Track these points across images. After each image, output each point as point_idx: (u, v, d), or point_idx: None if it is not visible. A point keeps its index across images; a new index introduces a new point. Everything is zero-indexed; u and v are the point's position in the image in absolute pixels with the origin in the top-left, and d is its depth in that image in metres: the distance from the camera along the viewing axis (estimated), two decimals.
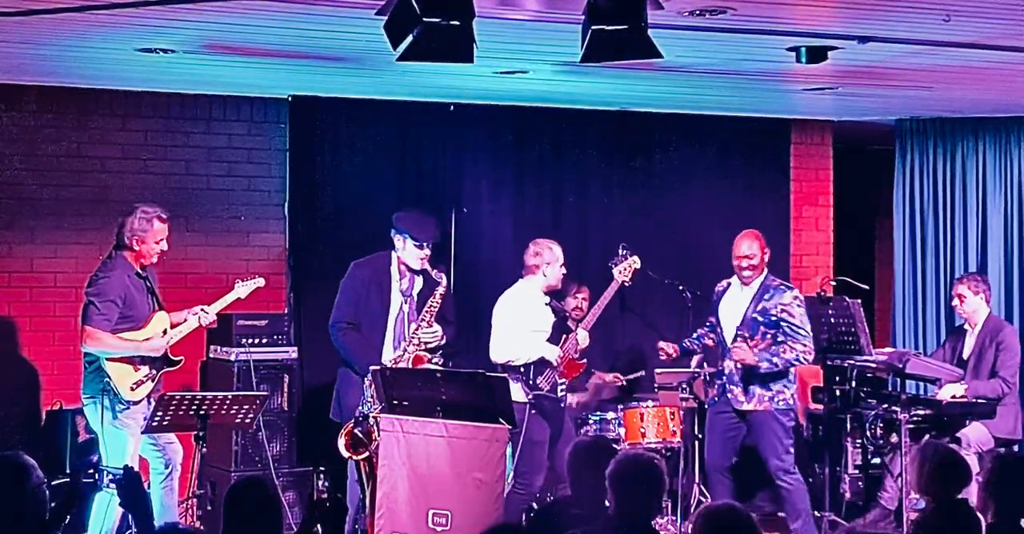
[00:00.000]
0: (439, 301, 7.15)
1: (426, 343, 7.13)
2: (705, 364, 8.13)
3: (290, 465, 8.13)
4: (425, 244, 7.23)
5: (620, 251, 7.68)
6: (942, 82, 7.94)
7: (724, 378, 7.45)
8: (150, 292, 7.06)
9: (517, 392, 7.15)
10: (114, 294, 6.85)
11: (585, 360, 7.60)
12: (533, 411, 7.21)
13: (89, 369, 6.90)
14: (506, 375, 6.81)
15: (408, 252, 7.24)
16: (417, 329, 7.14)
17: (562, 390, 7.43)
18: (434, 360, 7.13)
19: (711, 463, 7.57)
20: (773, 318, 7.35)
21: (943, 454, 5.34)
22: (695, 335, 7.82)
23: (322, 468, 7.89)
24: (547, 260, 7.44)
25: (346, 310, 7.28)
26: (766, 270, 7.50)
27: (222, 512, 4.73)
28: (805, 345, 7.34)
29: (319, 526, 7.51)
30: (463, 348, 8.44)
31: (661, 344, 7.75)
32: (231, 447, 7.90)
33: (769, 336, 7.36)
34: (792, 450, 7.48)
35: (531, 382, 7.26)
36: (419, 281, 7.29)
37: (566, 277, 7.63)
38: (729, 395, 7.41)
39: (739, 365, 7.34)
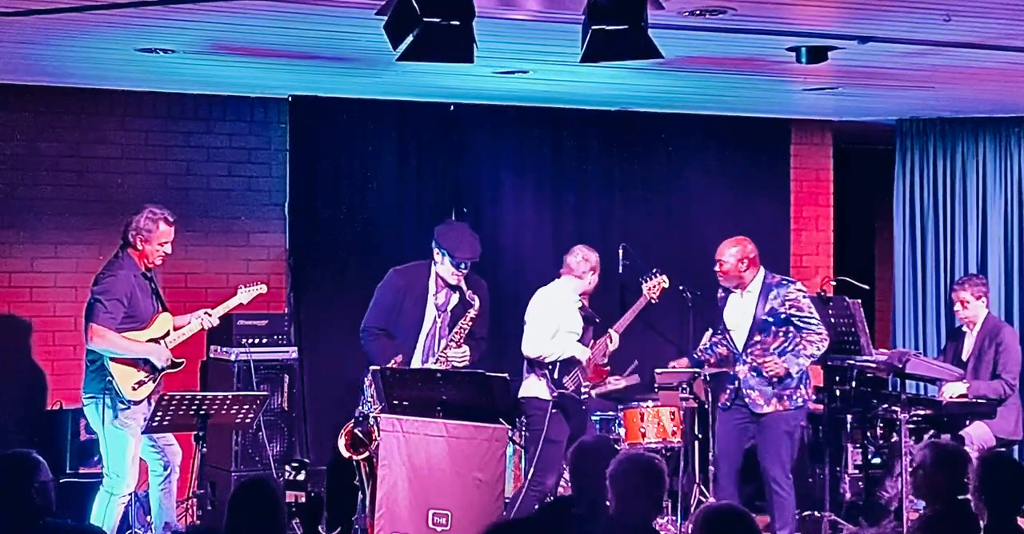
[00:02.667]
0: (470, 323, 7.18)
1: (454, 364, 7.14)
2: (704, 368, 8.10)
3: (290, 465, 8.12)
4: (463, 264, 7.22)
5: (653, 270, 7.88)
6: (942, 82, 7.94)
7: (737, 383, 7.41)
8: (154, 293, 7.07)
9: (541, 389, 7.23)
10: (120, 293, 6.85)
11: (609, 367, 7.64)
12: (555, 410, 7.22)
13: (91, 368, 6.90)
14: (506, 375, 6.81)
15: (444, 268, 7.21)
16: (446, 348, 7.16)
17: (585, 392, 7.45)
18: None
19: (724, 467, 7.49)
20: (783, 315, 7.33)
21: (958, 453, 5.31)
22: (707, 345, 7.74)
23: (294, 464, 7.89)
24: (592, 267, 7.48)
25: (379, 316, 7.27)
26: (762, 269, 7.45)
27: (225, 512, 4.74)
28: (820, 333, 7.35)
29: (297, 521, 7.52)
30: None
31: (672, 364, 7.96)
32: (231, 447, 7.90)
33: (781, 334, 7.35)
34: (794, 457, 7.49)
35: (557, 380, 7.27)
36: (455, 297, 7.29)
37: None
38: (747, 400, 7.35)
39: (753, 371, 7.34)
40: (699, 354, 7.82)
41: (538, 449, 7.15)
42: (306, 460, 7.84)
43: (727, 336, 7.51)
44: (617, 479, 4.89)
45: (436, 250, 7.24)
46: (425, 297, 7.26)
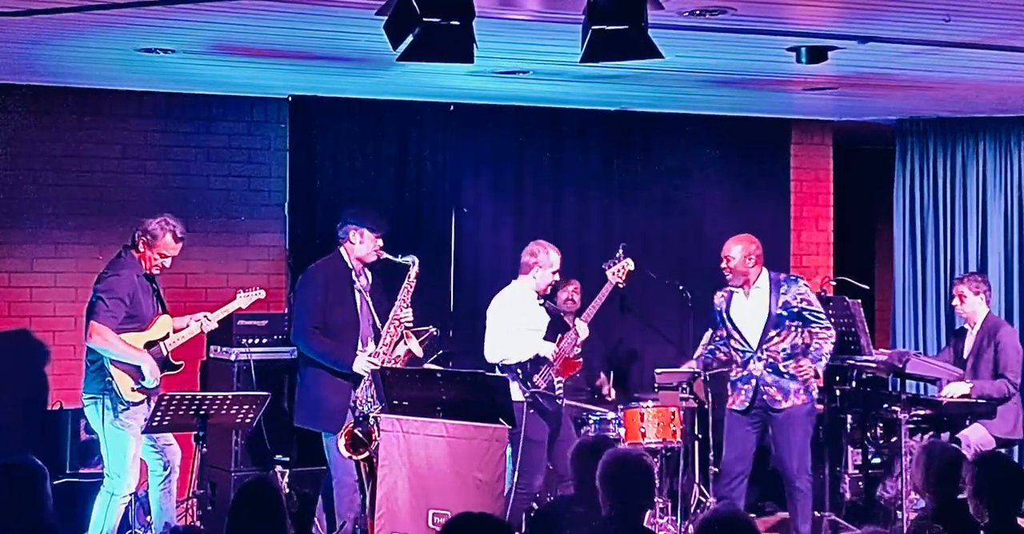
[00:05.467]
0: (414, 281, 7.20)
1: (405, 324, 7.17)
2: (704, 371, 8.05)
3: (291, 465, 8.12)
4: (381, 233, 7.26)
5: (618, 252, 7.68)
6: (942, 82, 7.94)
7: (753, 382, 7.38)
8: (155, 294, 7.07)
9: (515, 391, 7.16)
10: (123, 292, 6.86)
11: (581, 359, 7.59)
12: (531, 411, 7.20)
13: (91, 368, 6.90)
14: (506, 375, 6.81)
15: (366, 246, 7.25)
16: (399, 309, 7.17)
17: (559, 388, 7.42)
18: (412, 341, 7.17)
19: (733, 469, 7.44)
20: (795, 309, 7.39)
21: (949, 454, 5.34)
22: (706, 351, 7.77)
23: (279, 468, 7.88)
24: (540, 263, 7.42)
25: (312, 315, 7.17)
26: (764, 269, 7.49)
27: (228, 511, 4.73)
28: (829, 327, 7.46)
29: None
30: (463, 348, 8.45)
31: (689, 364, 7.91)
32: (231, 447, 7.90)
33: (794, 328, 7.39)
34: (810, 451, 7.48)
35: (528, 381, 7.25)
36: (369, 274, 7.33)
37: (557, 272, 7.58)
38: (765, 396, 7.35)
39: (769, 368, 7.34)
40: (705, 359, 7.80)
41: (519, 451, 7.12)
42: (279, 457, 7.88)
43: (736, 338, 7.49)
44: (606, 480, 4.90)
45: (353, 230, 7.25)
46: (351, 284, 7.24)
